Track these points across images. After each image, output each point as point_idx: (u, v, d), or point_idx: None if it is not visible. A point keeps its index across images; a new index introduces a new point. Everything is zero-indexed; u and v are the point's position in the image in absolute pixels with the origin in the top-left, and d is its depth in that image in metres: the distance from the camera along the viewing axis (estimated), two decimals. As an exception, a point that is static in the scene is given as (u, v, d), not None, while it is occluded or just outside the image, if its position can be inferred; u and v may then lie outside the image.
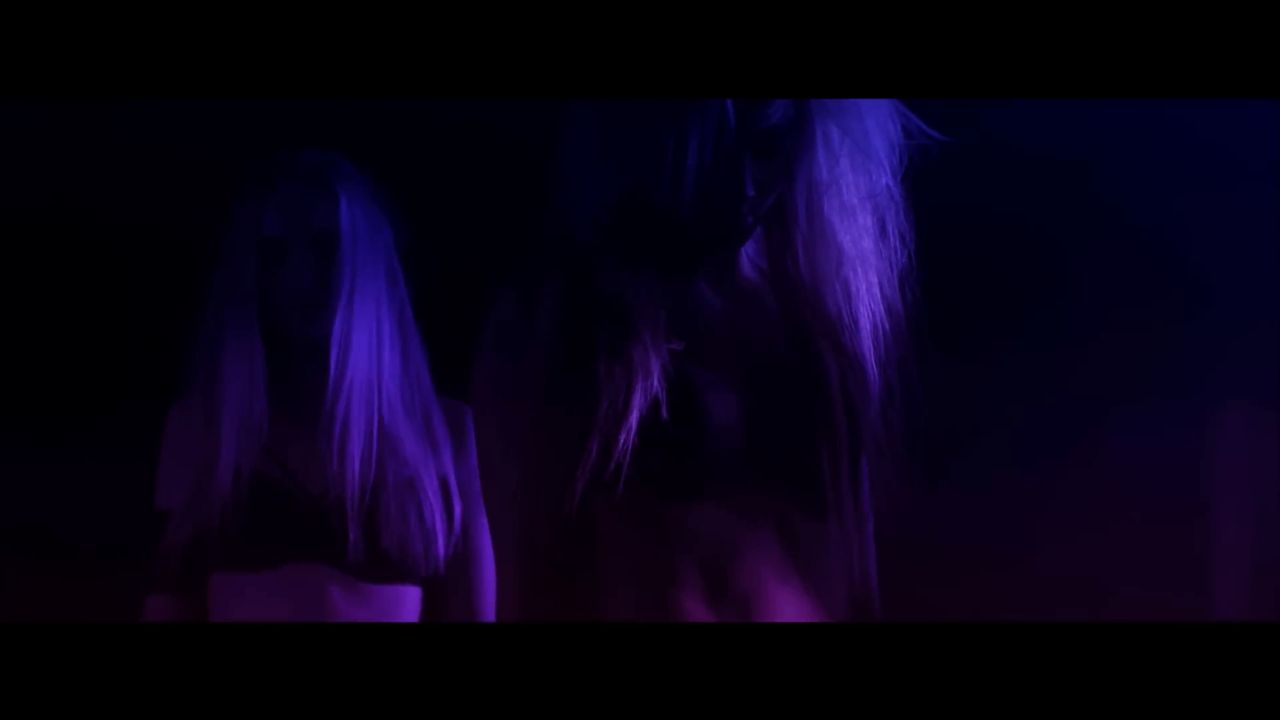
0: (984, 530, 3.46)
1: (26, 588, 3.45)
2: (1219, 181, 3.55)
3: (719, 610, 2.10)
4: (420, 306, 3.02)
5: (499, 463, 2.13)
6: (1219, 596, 3.56)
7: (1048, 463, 3.52)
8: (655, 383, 2.06)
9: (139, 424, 3.05)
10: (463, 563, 2.96)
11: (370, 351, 2.94)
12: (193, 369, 2.97)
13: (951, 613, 3.30)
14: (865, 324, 2.20)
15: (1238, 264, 3.55)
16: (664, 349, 2.08)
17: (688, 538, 2.11)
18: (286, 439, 2.95)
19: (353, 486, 2.88)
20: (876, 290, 2.21)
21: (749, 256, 2.26)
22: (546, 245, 2.16)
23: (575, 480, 2.04)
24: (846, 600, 2.17)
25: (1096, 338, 3.53)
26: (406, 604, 2.92)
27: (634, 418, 2.04)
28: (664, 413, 2.05)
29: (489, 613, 2.95)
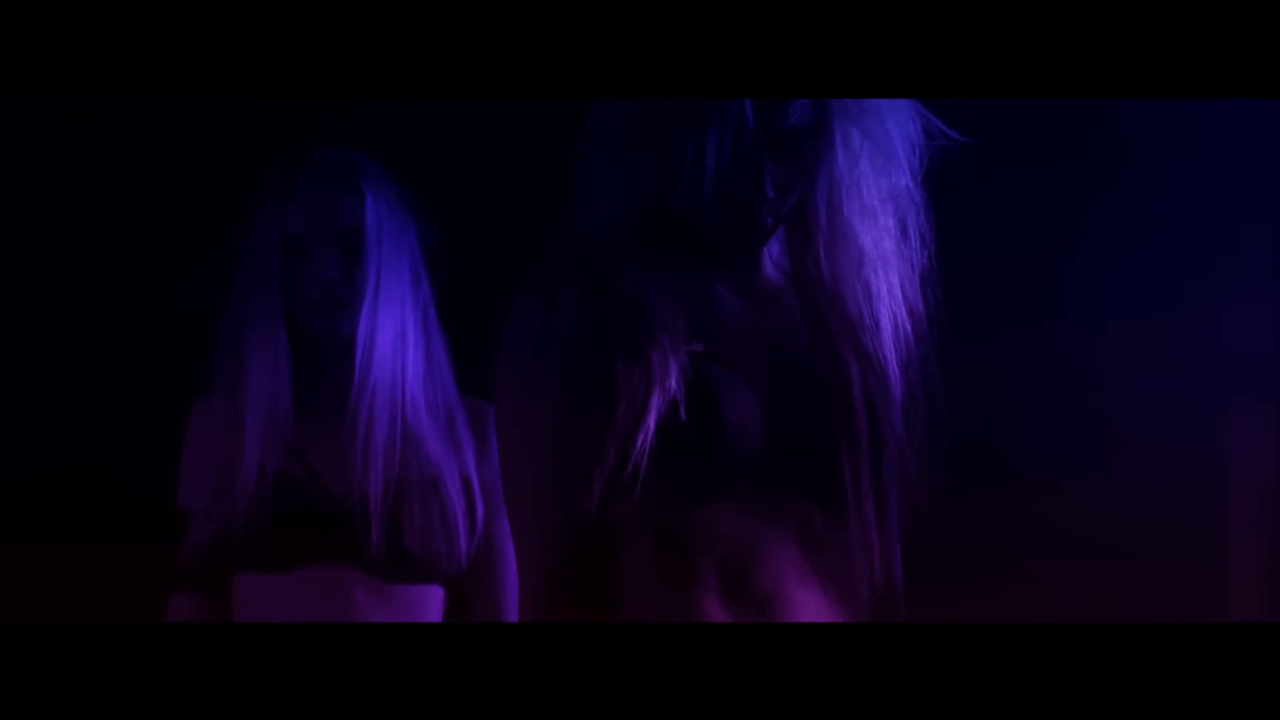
0: (1004, 530, 3.46)
1: (48, 587, 3.46)
2: (1240, 181, 3.55)
3: (739, 611, 2.10)
4: (443, 306, 3.02)
5: (519, 464, 2.14)
6: (1236, 597, 3.55)
7: (1067, 463, 3.52)
8: (673, 384, 2.06)
9: (162, 422, 3.05)
10: (485, 563, 2.96)
11: (395, 350, 2.94)
12: (216, 367, 2.98)
13: (971, 613, 3.29)
14: (886, 325, 2.19)
15: (1256, 263, 3.55)
16: (683, 351, 2.08)
17: (708, 538, 2.11)
18: (310, 438, 2.95)
19: (376, 486, 2.88)
20: (898, 291, 2.20)
21: (772, 258, 2.26)
22: (567, 247, 2.17)
23: (593, 482, 2.04)
24: (867, 601, 2.17)
25: (1118, 337, 3.53)
26: (429, 604, 2.92)
27: (651, 420, 2.04)
28: (682, 414, 2.06)
29: (511, 613, 2.95)
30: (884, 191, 2.18)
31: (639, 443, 2.03)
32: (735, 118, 2.09)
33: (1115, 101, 3.25)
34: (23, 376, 3.58)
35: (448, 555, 2.91)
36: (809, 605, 2.12)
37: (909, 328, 2.21)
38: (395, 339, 2.94)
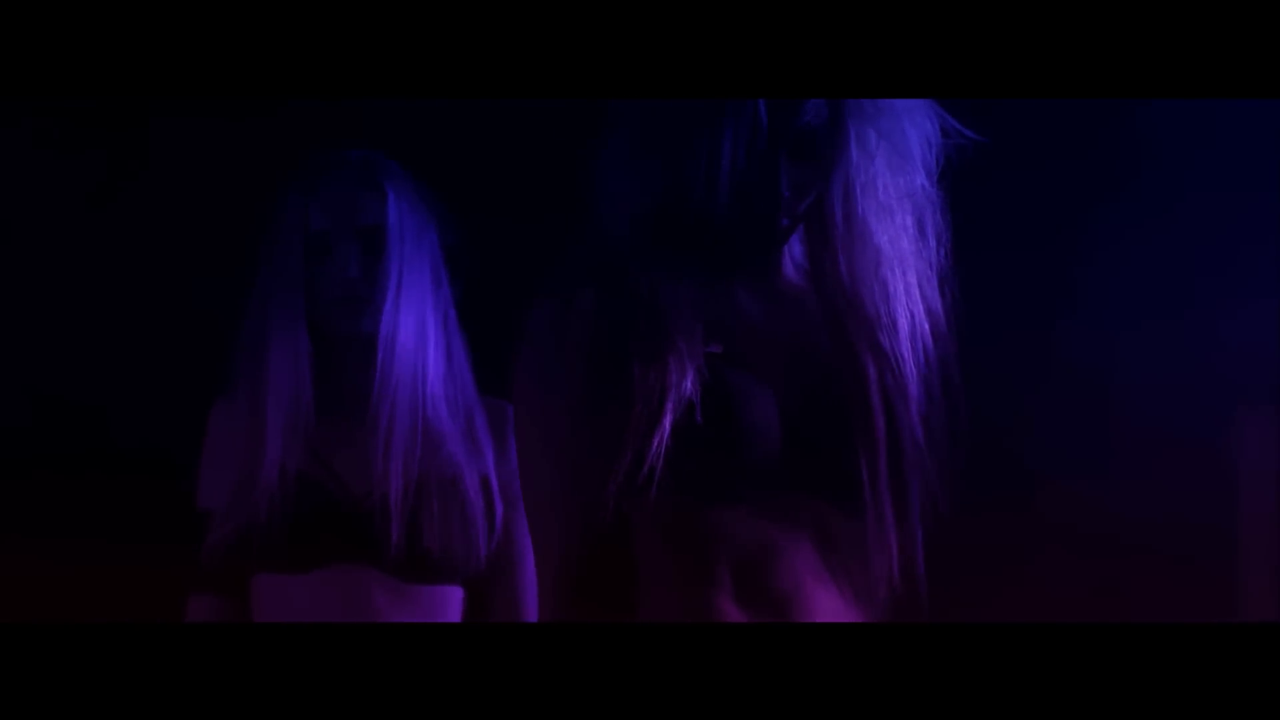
0: (1014, 529, 3.45)
1: (68, 586, 3.46)
2: (1256, 181, 3.54)
3: (756, 611, 2.10)
4: (462, 305, 3.02)
5: (538, 463, 2.14)
6: (1248, 597, 3.54)
7: (1085, 461, 3.51)
8: (689, 386, 2.06)
9: (182, 421, 3.05)
10: (504, 563, 2.96)
11: (416, 349, 2.94)
12: (237, 365, 2.98)
13: (989, 613, 3.29)
14: (904, 324, 2.19)
15: (1269, 262, 3.54)
16: (699, 352, 2.08)
17: (726, 538, 2.11)
18: (329, 437, 2.95)
19: (396, 486, 2.87)
20: (915, 290, 2.20)
21: (794, 258, 2.26)
22: (584, 249, 2.17)
23: (609, 483, 2.04)
24: (886, 601, 2.17)
25: (1130, 335, 3.52)
26: (449, 605, 2.92)
27: (667, 421, 2.04)
28: (698, 416, 2.06)
29: (531, 612, 2.95)
30: (900, 190, 2.17)
31: (655, 444, 2.03)
32: (750, 118, 2.09)
33: (1130, 101, 3.24)
34: (44, 375, 3.59)
35: (467, 555, 2.90)
36: (826, 605, 2.12)
37: (927, 326, 2.20)
38: (416, 338, 2.94)
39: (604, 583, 2.10)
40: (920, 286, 2.20)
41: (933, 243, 2.20)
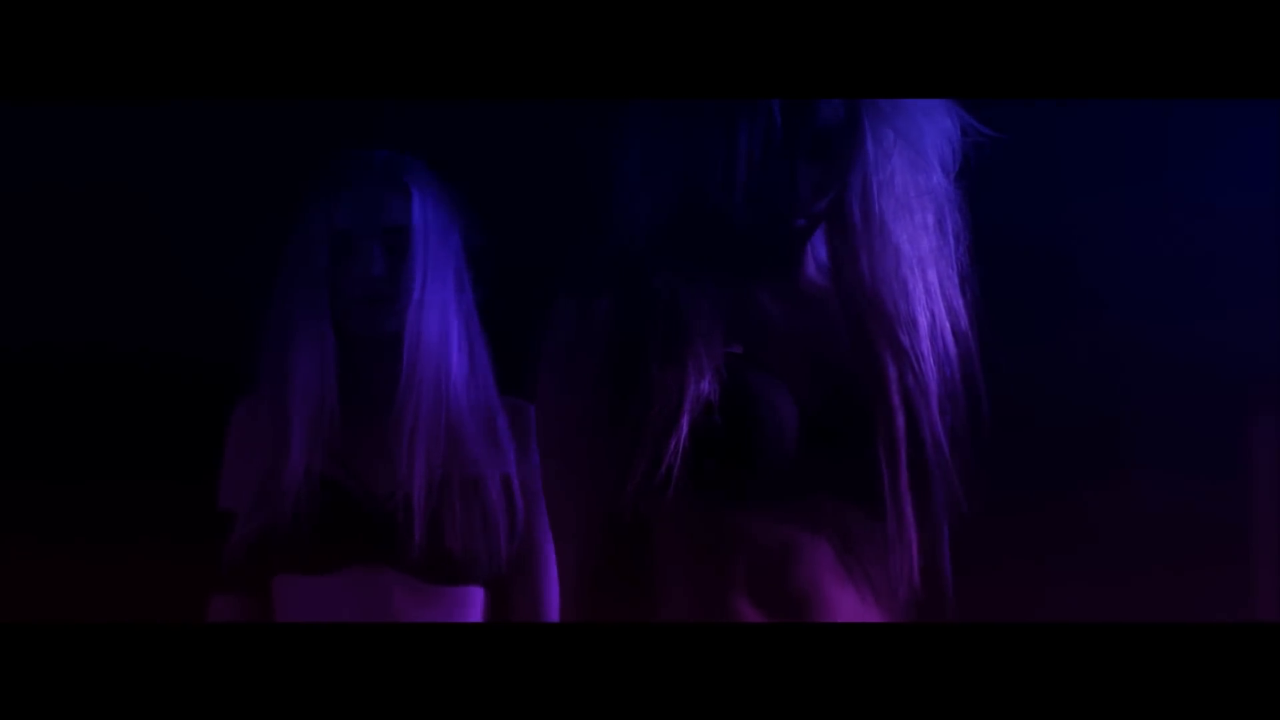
0: (1041, 530, 3.44)
1: (90, 586, 3.47)
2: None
3: (775, 611, 2.09)
4: (484, 306, 3.02)
5: (559, 464, 2.14)
6: (1262, 596, 3.53)
7: (1105, 462, 3.50)
8: (706, 386, 2.06)
9: (205, 421, 3.05)
10: (525, 563, 2.95)
11: (439, 349, 2.94)
12: (261, 364, 2.98)
13: (1010, 613, 3.28)
14: (924, 323, 2.18)
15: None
16: (718, 352, 2.08)
17: (745, 539, 2.11)
18: (352, 437, 2.95)
19: (419, 486, 2.87)
20: (935, 289, 2.19)
21: (816, 258, 2.26)
22: (605, 250, 2.17)
23: (627, 483, 2.04)
24: (907, 601, 2.16)
25: (1145, 335, 3.51)
26: (470, 605, 2.92)
27: (684, 422, 2.04)
28: (716, 416, 2.06)
29: (552, 612, 2.95)
30: (919, 188, 2.17)
31: (673, 444, 2.03)
32: (765, 118, 2.09)
33: (1151, 101, 3.23)
34: (65, 374, 3.60)
35: (489, 556, 2.90)
36: (846, 605, 2.12)
37: (947, 325, 2.20)
38: (440, 338, 2.94)
39: (624, 583, 2.10)
40: (940, 285, 2.19)
41: (952, 241, 2.20)
